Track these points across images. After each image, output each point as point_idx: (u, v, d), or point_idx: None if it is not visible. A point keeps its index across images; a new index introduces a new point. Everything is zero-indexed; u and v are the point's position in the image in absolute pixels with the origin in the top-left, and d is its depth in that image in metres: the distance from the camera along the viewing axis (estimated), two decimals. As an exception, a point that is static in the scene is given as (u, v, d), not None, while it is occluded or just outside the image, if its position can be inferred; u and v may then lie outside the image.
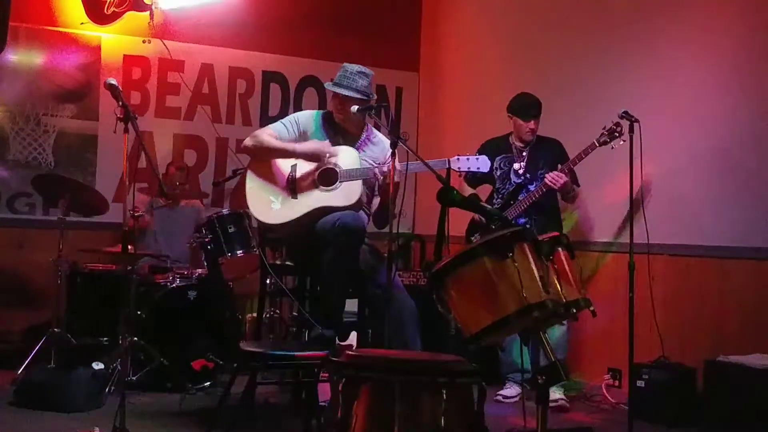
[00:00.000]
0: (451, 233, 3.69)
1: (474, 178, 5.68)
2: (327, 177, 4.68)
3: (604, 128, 5.23)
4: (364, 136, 4.89)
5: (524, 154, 5.70)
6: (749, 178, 5.16)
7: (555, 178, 5.38)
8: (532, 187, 5.56)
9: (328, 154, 4.68)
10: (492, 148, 5.72)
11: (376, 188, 4.79)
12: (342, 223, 4.43)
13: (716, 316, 5.26)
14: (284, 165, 4.77)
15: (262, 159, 4.82)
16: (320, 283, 4.87)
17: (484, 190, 5.86)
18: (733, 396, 4.68)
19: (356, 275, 4.59)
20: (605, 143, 5.23)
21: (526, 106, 5.67)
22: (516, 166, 5.70)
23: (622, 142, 5.05)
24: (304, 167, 4.73)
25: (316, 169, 4.69)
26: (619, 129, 5.16)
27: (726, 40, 5.31)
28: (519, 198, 5.58)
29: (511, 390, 5.63)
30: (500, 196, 5.72)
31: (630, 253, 4.64)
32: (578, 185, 5.63)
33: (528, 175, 5.65)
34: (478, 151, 5.63)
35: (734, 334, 5.13)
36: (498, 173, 5.73)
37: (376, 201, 4.86)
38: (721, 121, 5.29)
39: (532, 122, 5.64)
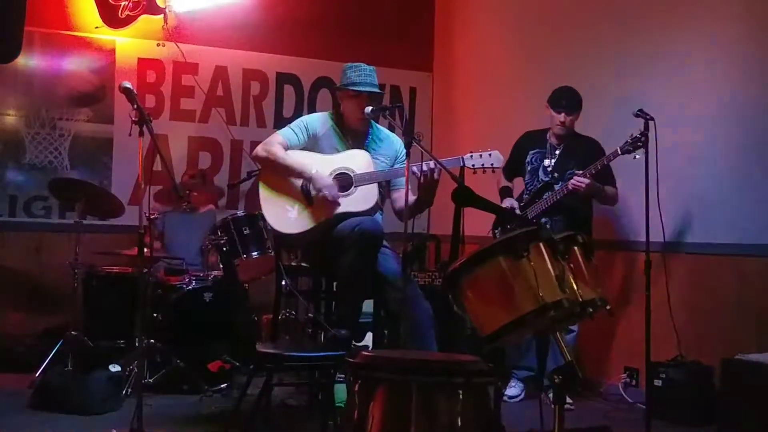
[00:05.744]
0: (467, 233, 3.66)
1: (510, 171, 5.64)
2: (342, 182, 4.64)
3: (630, 136, 4.96)
4: (371, 133, 4.86)
5: (557, 152, 5.55)
6: (766, 175, 5.12)
7: (576, 182, 5.21)
8: (557, 187, 5.43)
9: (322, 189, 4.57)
10: (528, 140, 5.65)
11: (416, 187, 4.52)
12: (361, 229, 4.39)
13: (734, 314, 5.22)
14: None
15: (273, 169, 4.76)
16: (338, 287, 4.84)
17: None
18: (751, 395, 4.64)
19: (373, 278, 4.56)
20: (628, 152, 4.98)
21: (558, 97, 5.48)
22: (546, 162, 5.55)
23: (639, 156, 4.86)
24: (318, 173, 4.66)
25: (331, 174, 4.64)
26: (643, 139, 4.87)
27: (741, 37, 5.27)
28: (543, 197, 5.47)
29: (515, 389, 5.57)
30: (528, 191, 5.62)
31: (647, 252, 4.61)
32: (614, 186, 5.47)
33: (556, 174, 5.50)
34: (516, 142, 5.70)
35: (752, 332, 5.09)
36: (529, 168, 5.62)
37: (401, 196, 4.68)
38: (736, 118, 5.25)
39: (562, 115, 5.43)
